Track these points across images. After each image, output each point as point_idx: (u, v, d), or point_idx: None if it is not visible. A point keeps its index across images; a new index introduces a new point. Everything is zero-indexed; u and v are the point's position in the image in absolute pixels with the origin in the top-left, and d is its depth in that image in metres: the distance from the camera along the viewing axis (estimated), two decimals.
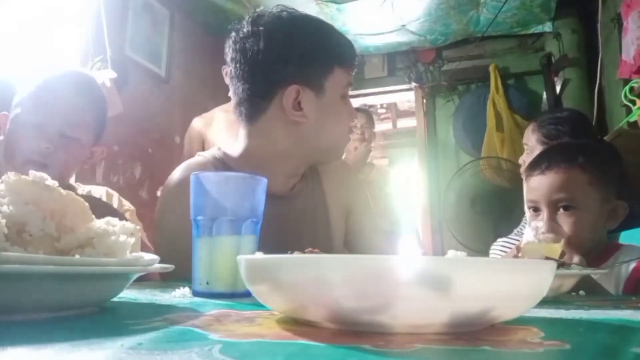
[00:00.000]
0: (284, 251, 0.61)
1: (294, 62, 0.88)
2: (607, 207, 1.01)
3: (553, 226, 0.90)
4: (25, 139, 1.07)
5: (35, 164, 1.07)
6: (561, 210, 1.00)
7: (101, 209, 0.59)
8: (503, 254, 1.56)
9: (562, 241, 0.85)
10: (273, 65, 0.88)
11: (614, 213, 1.02)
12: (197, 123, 2.06)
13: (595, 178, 1.01)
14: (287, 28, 0.89)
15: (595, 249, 1.02)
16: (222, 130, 1.95)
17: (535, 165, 1.07)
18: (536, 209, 1.04)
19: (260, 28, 0.88)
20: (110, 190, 1.36)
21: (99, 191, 1.33)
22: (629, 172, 1.31)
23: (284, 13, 0.91)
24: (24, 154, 1.06)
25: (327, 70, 0.90)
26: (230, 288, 0.56)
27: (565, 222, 0.98)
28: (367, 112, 3.01)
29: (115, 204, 1.32)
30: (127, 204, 1.38)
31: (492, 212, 2.93)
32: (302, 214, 1.00)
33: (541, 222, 0.91)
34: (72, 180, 1.33)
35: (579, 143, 1.19)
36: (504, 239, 1.66)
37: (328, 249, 0.97)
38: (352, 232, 1.10)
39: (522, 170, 1.70)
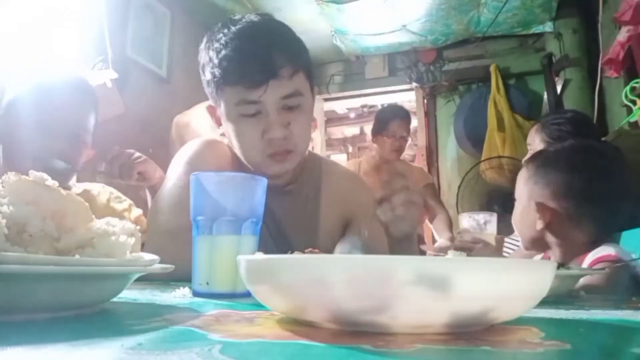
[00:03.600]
0: (262, 243, 0.62)
1: (205, 85, 0.95)
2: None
3: None
4: (39, 139, 1.10)
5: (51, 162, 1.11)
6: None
7: None
8: (506, 254, 1.55)
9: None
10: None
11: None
12: (182, 118, 2.09)
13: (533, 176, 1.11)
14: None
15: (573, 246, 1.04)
16: (206, 126, 1.96)
17: None
18: None
19: None
20: (107, 187, 1.36)
21: (97, 187, 1.33)
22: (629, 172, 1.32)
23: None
24: (43, 152, 1.10)
25: (220, 89, 0.90)
26: (230, 288, 0.56)
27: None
28: None
29: (112, 199, 1.33)
30: (125, 199, 1.38)
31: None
32: (292, 216, 0.99)
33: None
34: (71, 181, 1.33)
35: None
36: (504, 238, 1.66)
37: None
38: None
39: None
